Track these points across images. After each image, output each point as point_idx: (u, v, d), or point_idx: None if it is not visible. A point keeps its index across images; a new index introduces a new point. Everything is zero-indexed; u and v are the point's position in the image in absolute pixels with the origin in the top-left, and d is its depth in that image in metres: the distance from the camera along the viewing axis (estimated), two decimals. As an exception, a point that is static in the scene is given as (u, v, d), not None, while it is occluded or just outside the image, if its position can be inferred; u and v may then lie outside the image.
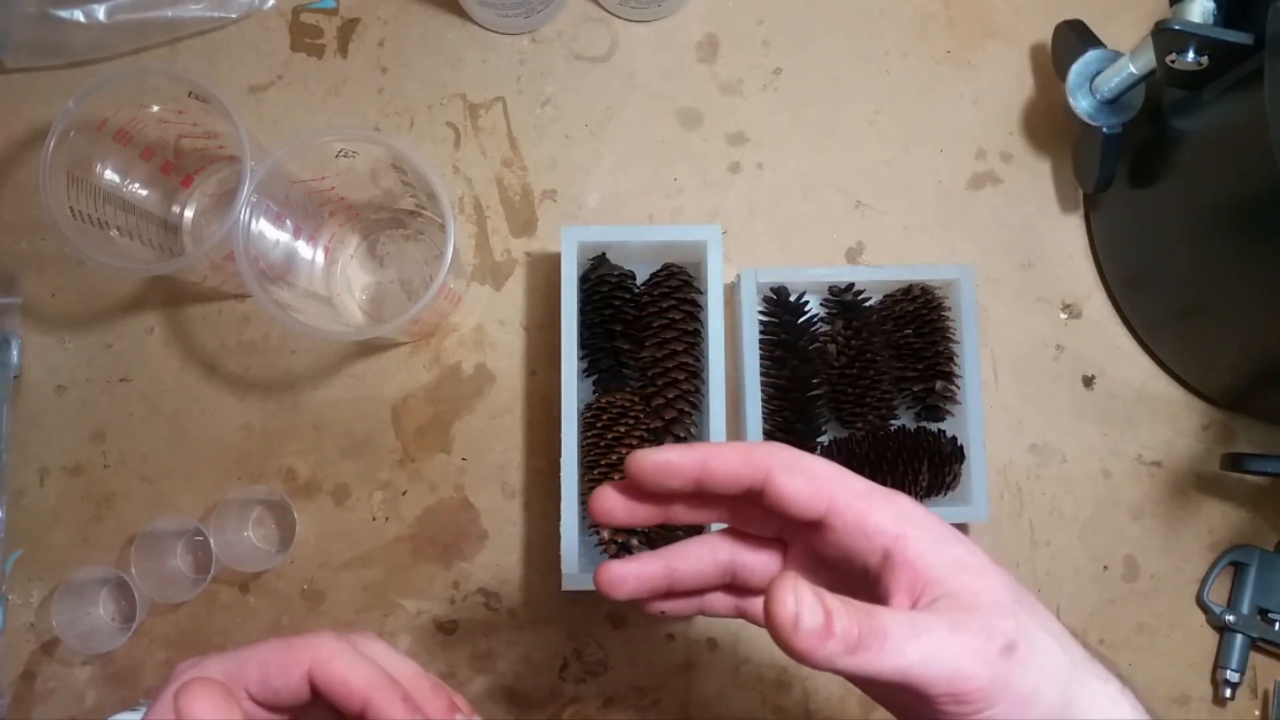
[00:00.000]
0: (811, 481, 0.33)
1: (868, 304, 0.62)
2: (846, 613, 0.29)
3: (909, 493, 0.57)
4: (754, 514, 0.36)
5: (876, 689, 0.34)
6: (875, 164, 0.66)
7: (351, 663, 0.34)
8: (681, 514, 0.36)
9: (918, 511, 0.33)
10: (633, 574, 0.37)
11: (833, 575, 0.35)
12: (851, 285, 0.61)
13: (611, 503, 0.36)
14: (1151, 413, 0.64)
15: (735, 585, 0.39)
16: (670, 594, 0.38)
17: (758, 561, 0.38)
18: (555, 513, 0.56)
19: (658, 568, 0.37)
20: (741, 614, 0.40)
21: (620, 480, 0.36)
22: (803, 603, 0.29)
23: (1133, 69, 0.55)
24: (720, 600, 0.39)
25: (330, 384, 0.63)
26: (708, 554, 0.37)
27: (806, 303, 0.62)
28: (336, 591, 0.61)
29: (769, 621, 0.29)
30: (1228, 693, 0.60)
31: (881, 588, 0.32)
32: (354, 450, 0.62)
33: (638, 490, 0.35)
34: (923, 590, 0.31)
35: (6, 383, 0.62)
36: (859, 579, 0.33)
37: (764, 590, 0.35)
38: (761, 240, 0.65)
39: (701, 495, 0.35)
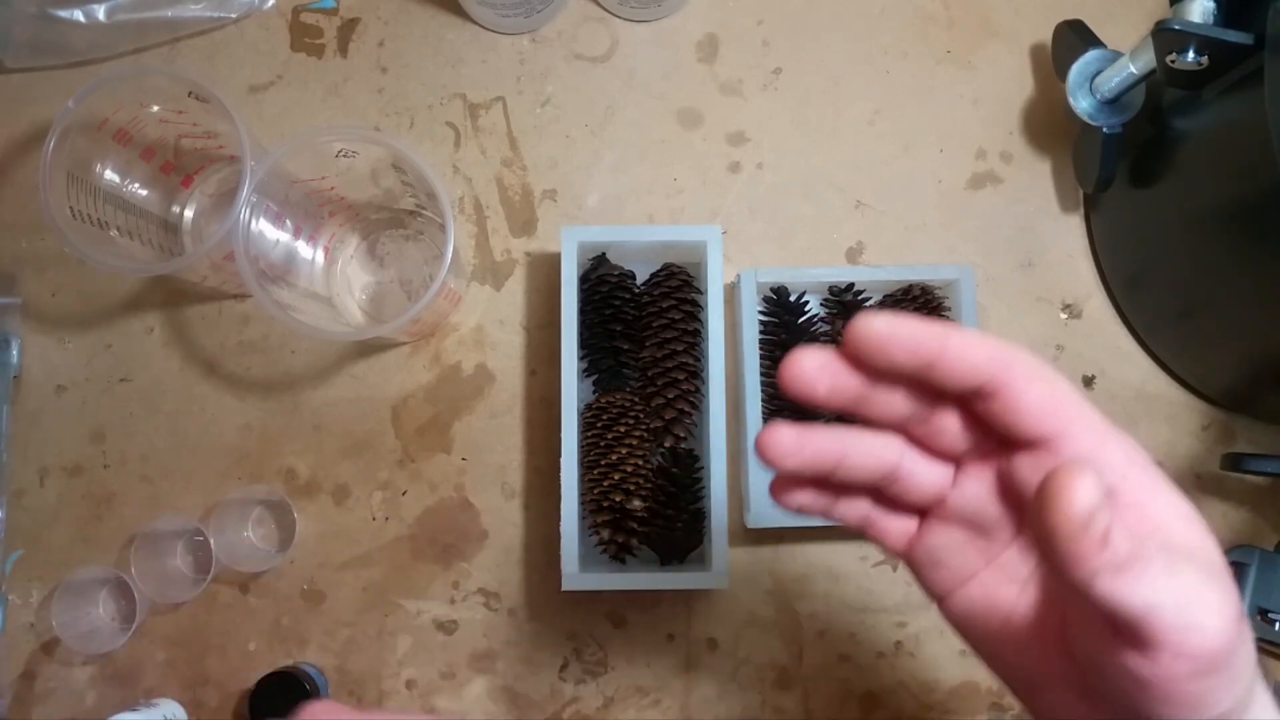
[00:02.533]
0: (1054, 397, 0.29)
1: (868, 304, 0.62)
2: (1121, 531, 0.25)
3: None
4: (955, 423, 0.31)
5: (1086, 647, 0.29)
6: (875, 164, 0.66)
7: None
8: (882, 404, 0.31)
9: (1146, 458, 0.29)
10: (810, 448, 0.31)
11: (1013, 507, 0.31)
12: (851, 285, 0.61)
13: (815, 366, 0.30)
14: (1151, 413, 0.64)
15: (883, 495, 0.34)
16: (824, 482, 0.33)
17: (927, 475, 0.32)
18: (555, 513, 0.56)
19: (834, 446, 0.31)
20: (869, 527, 0.34)
21: (835, 346, 0.30)
22: (1100, 504, 0.24)
23: (1133, 69, 0.55)
24: (857, 507, 0.34)
25: (330, 384, 0.63)
26: (881, 449, 0.32)
27: (806, 303, 0.62)
28: (336, 591, 0.61)
29: (1050, 509, 0.25)
30: (1228, 693, 0.60)
31: None
32: (354, 450, 0.62)
33: (854, 360, 0.30)
34: (1149, 536, 0.28)
35: (6, 383, 0.62)
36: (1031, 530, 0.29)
37: (918, 508, 0.32)
38: (761, 240, 0.65)
39: (918, 383, 0.30)
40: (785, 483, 0.33)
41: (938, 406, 0.31)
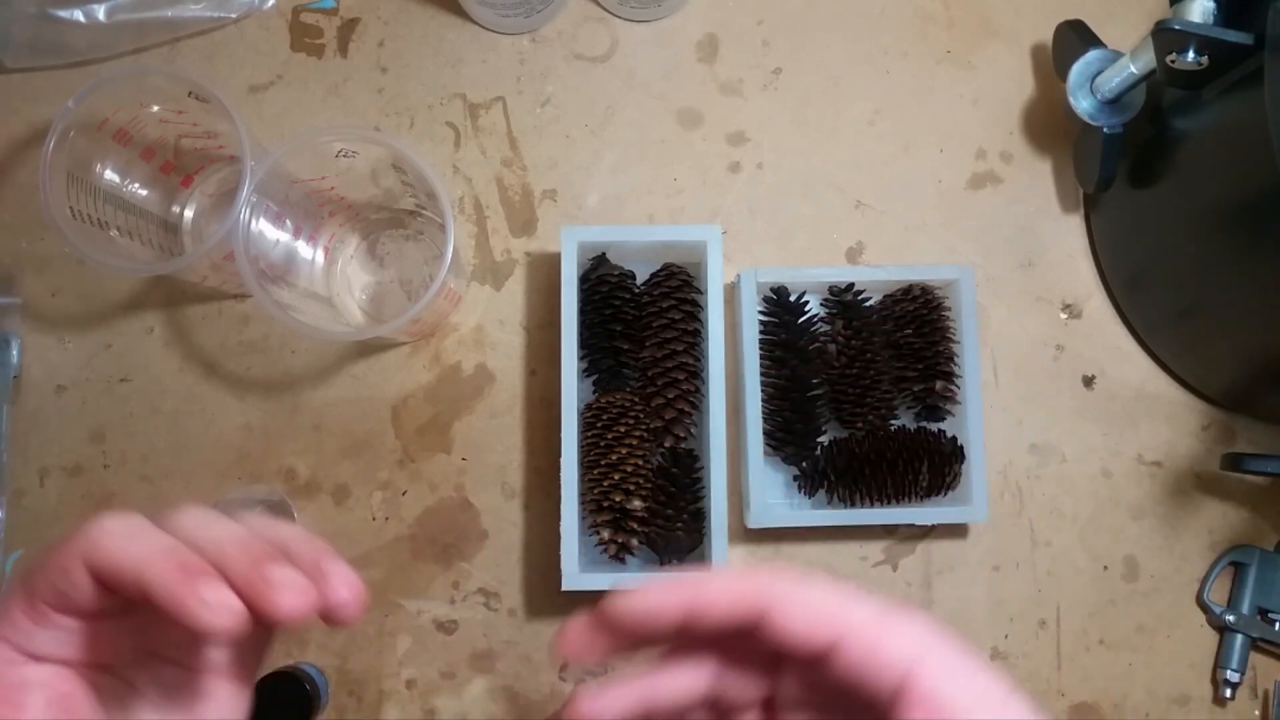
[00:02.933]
0: (816, 614, 0.29)
1: (868, 304, 0.62)
2: None
3: (909, 493, 0.58)
4: (746, 645, 0.31)
5: None
6: (875, 164, 0.66)
7: (122, 542, 0.28)
8: (680, 648, 0.32)
9: (931, 629, 0.29)
10: (615, 708, 0.31)
11: (832, 703, 0.31)
12: (851, 285, 0.61)
13: (582, 640, 0.31)
14: (1151, 413, 0.64)
15: (716, 707, 0.34)
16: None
17: (744, 687, 0.33)
18: (555, 513, 0.56)
19: (637, 700, 0.32)
20: None
21: (590, 615, 0.31)
22: None
23: (1133, 69, 0.55)
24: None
25: (330, 384, 0.63)
26: (688, 680, 0.32)
27: (806, 303, 0.62)
28: (336, 591, 0.61)
29: None
30: (1228, 693, 0.60)
31: None
32: (354, 450, 0.62)
33: (614, 630, 0.30)
34: None
35: (6, 383, 0.62)
36: (863, 709, 0.29)
37: (743, 710, 0.32)
38: (761, 240, 0.65)
39: (688, 633, 0.30)
40: None
41: (728, 638, 0.31)
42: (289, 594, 0.28)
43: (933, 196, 0.65)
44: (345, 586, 0.29)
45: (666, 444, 0.59)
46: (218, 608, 0.26)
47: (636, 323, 0.60)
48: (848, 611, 0.29)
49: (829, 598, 0.29)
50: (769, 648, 0.30)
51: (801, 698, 0.32)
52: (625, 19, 0.66)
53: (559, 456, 0.56)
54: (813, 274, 0.61)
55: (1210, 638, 0.62)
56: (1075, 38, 0.60)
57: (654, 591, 0.30)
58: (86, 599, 0.29)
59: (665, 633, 0.30)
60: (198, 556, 0.28)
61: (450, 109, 0.65)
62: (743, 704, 0.33)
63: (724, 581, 0.30)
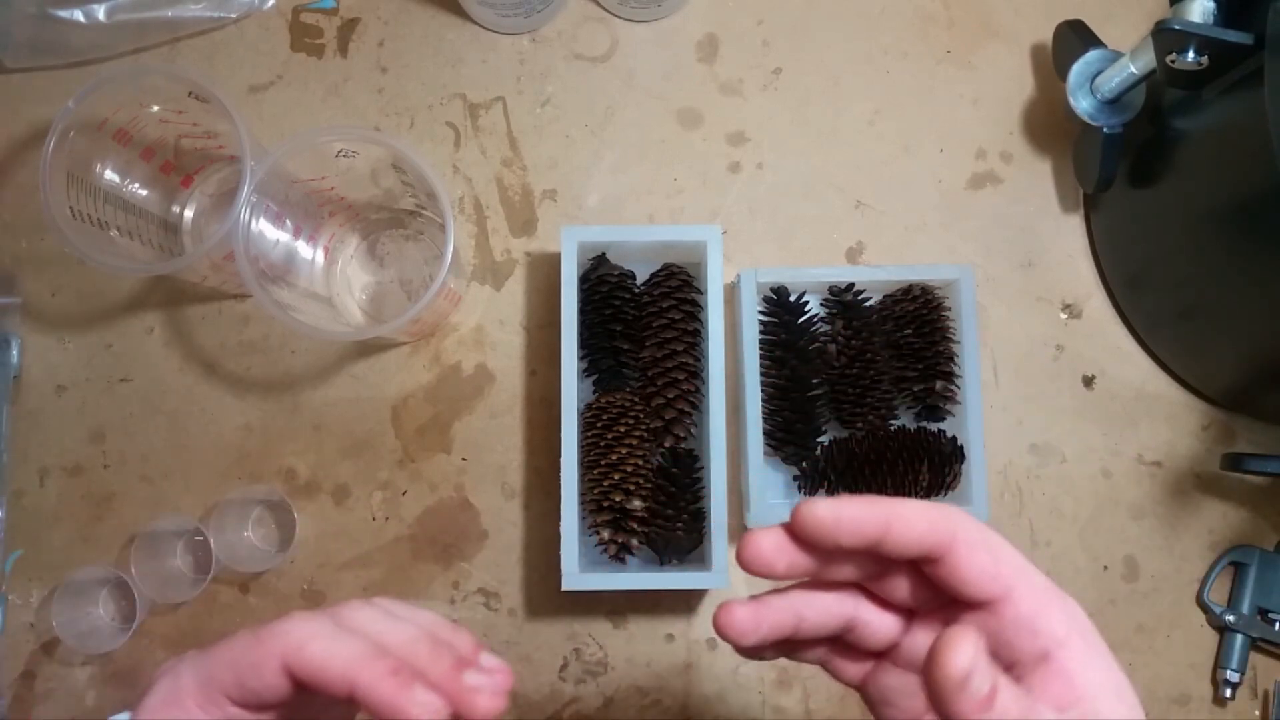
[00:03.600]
0: (996, 563, 0.30)
1: (868, 304, 0.62)
2: (1012, 696, 0.27)
3: (909, 493, 0.58)
4: (906, 580, 0.33)
5: None
6: (875, 164, 0.66)
7: (327, 644, 0.30)
8: (837, 571, 0.33)
9: (1088, 624, 0.31)
10: (766, 623, 0.33)
11: None
12: (851, 285, 0.61)
13: (771, 549, 0.31)
14: (1151, 413, 0.64)
15: (842, 642, 0.35)
16: (785, 642, 0.35)
17: (881, 626, 0.34)
18: (555, 513, 0.56)
19: (787, 618, 0.33)
20: (826, 664, 0.36)
21: (780, 525, 0.32)
22: (978, 665, 0.26)
23: (1133, 69, 0.55)
24: (816, 651, 0.36)
25: (330, 384, 0.63)
26: (835, 607, 0.34)
27: (806, 303, 0.62)
28: (336, 591, 0.61)
29: (933, 668, 0.26)
30: (1228, 693, 0.60)
31: (1023, 687, 0.30)
32: (354, 450, 0.62)
33: (802, 539, 0.31)
34: (1071, 707, 0.29)
35: (6, 383, 0.62)
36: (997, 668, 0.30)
37: (874, 651, 0.34)
38: (761, 240, 0.65)
39: (866, 555, 0.32)
40: (754, 648, 0.35)
41: (891, 567, 0.33)
42: (485, 698, 0.31)
43: (933, 196, 0.65)
44: (506, 681, 0.33)
45: (666, 444, 0.59)
46: (428, 710, 0.29)
47: (636, 323, 0.60)
48: (1023, 573, 0.31)
49: (1010, 554, 0.31)
50: (927, 587, 0.32)
51: (920, 659, 0.32)
52: (625, 19, 0.66)
53: (559, 456, 0.56)
54: (813, 274, 0.61)
55: (1210, 638, 0.62)
56: (1075, 38, 0.60)
57: (855, 503, 0.30)
58: (277, 696, 0.31)
59: (854, 548, 0.31)
60: (402, 662, 0.30)
61: (450, 109, 0.65)
62: (869, 645, 0.34)
63: (919, 508, 0.31)
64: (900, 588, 0.33)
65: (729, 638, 0.33)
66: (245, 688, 0.30)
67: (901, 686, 0.34)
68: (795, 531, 0.31)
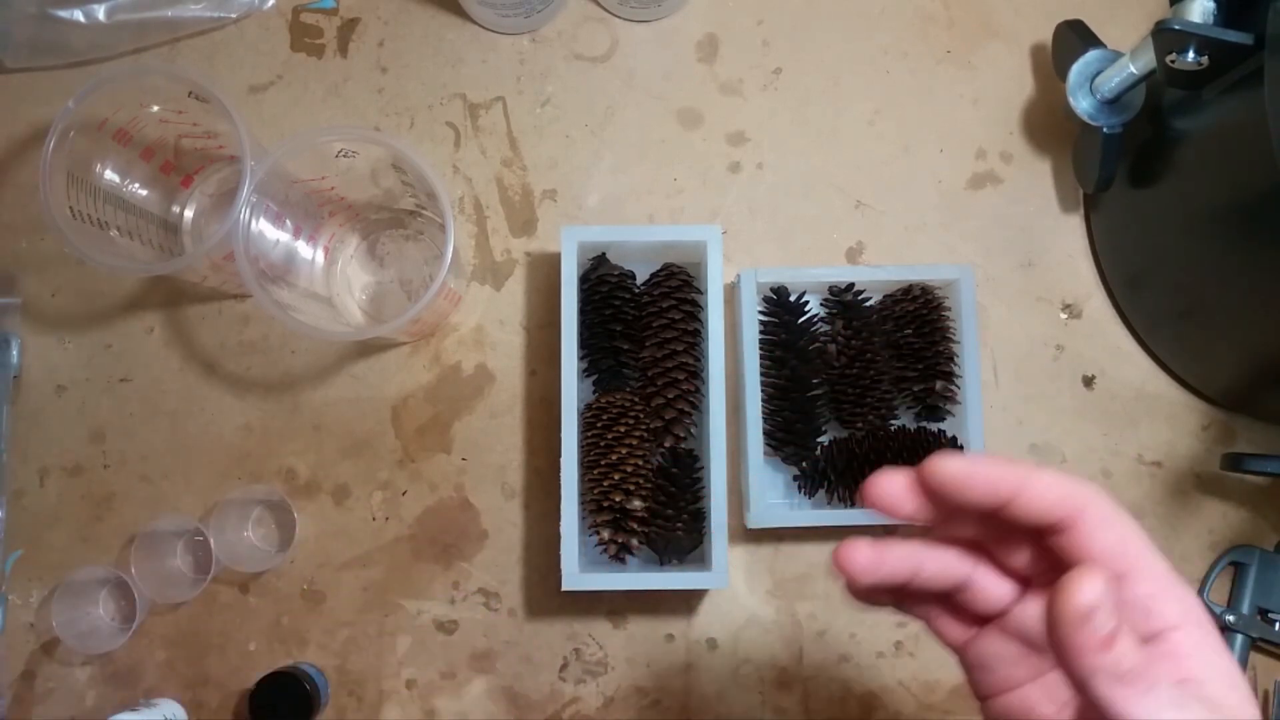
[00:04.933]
0: (1122, 541, 0.30)
1: (868, 304, 0.62)
2: (1131, 645, 0.27)
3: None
4: (1026, 548, 0.33)
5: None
6: (875, 164, 0.66)
7: None
8: (959, 527, 0.33)
9: (1205, 615, 0.30)
10: (886, 566, 0.33)
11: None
12: (851, 285, 0.61)
13: (898, 490, 0.32)
14: (1151, 413, 0.64)
15: (952, 601, 0.35)
16: (898, 590, 0.35)
17: (995, 590, 0.34)
18: (555, 513, 0.56)
19: (906, 565, 0.33)
20: (931, 622, 0.36)
21: (912, 471, 0.32)
22: (1104, 604, 0.26)
23: (1133, 69, 0.55)
24: (924, 607, 0.36)
25: (330, 384, 0.63)
26: (954, 564, 0.34)
27: (806, 303, 0.62)
28: (336, 591, 0.61)
29: (1058, 605, 0.26)
30: (1228, 693, 0.60)
31: None
32: (354, 450, 0.62)
33: (931, 489, 0.31)
34: (1180, 685, 0.29)
35: (6, 383, 0.62)
36: None
37: (982, 615, 0.34)
38: (761, 240, 0.65)
39: (992, 517, 0.31)
40: (867, 591, 0.35)
41: (1012, 532, 0.32)
42: None
43: (933, 196, 0.65)
44: None
45: (666, 444, 0.59)
46: None
47: (636, 323, 0.60)
48: (1147, 554, 0.30)
49: (1137, 535, 0.30)
50: (1048, 555, 0.31)
51: (1029, 628, 0.32)
52: (625, 19, 0.66)
53: (559, 456, 0.56)
54: (813, 274, 0.61)
55: (1210, 638, 0.62)
56: (1075, 38, 0.60)
57: (990, 462, 0.30)
58: None
59: (981, 507, 0.31)
60: None
61: (450, 109, 0.65)
62: (980, 608, 0.34)
63: (1052, 476, 0.30)
64: (1020, 554, 0.33)
65: (848, 573, 0.33)
66: None
67: (1005, 653, 0.34)
68: (925, 480, 0.31)
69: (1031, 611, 0.33)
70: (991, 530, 0.33)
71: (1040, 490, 0.30)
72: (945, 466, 0.31)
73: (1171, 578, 0.30)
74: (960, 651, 0.35)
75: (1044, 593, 0.32)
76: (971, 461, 0.31)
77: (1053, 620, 0.27)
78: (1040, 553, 0.32)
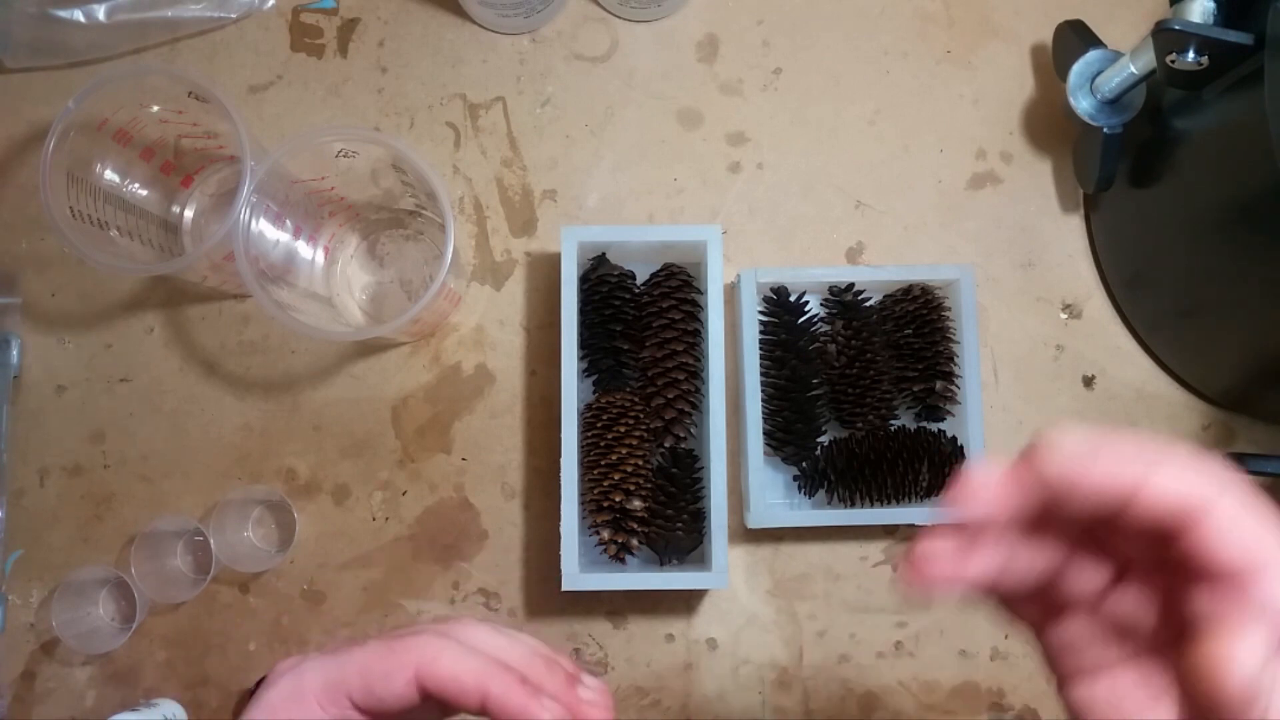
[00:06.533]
0: (1255, 537, 0.25)
1: (868, 304, 0.62)
2: None
3: (909, 493, 0.58)
4: (1128, 540, 0.29)
5: None
6: (875, 164, 0.66)
7: (459, 658, 0.33)
8: (1057, 529, 0.29)
9: None
10: (969, 569, 0.29)
11: (1175, 623, 0.28)
12: (851, 285, 0.61)
13: (994, 490, 0.27)
14: (1151, 413, 0.64)
15: (1044, 594, 0.31)
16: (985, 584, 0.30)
17: (1088, 579, 0.30)
18: (555, 513, 0.56)
19: (992, 566, 0.29)
20: (1007, 603, 0.32)
21: (1015, 465, 0.27)
22: (1260, 684, 0.23)
23: (1133, 69, 0.55)
24: (1017, 602, 0.32)
25: (330, 384, 0.63)
26: (1042, 561, 0.30)
27: (806, 303, 0.62)
28: (336, 591, 0.61)
29: (1207, 686, 0.23)
30: (1228, 693, 0.60)
31: None
32: (354, 450, 0.62)
33: (1034, 486, 0.27)
34: None
35: (6, 383, 0.62)
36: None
37: (1066, 601, 0.30)
38: (761, 240, 0.65)
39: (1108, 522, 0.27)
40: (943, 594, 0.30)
41: (1116, 525, 0.27)
42: (598, 710, 0.33)
43: (933, 196, 0.65)
44: (609, 699, 0.35)
45: (666, 444, 0.59)
46: (555, 714, 0.32)
47: (636, 323, 0.60)
48: (1276, 552, 0.26)
49: (1269, 535, 0.26)
50: (1157, 549, 0.27)
51: (1124, 615, 0.29)
52: (625, 19, 0.66)
53: (559, 456, 0.56)
54: (813, 274, 0.61)
55: (1210, 638, 0.62)
56: (1075, 38, 0.60)
57: (1113, 449, 0.26)
58: (402, 705, 0.32)
59: (1094, 506, 0.26)
60: (524, 675, 0.33)
61: (450, 109, 0.65)
62: (1068, 595, 0.30)
63: (1181, 471, 0.26)
64: (1121, 545, 0.29)
65: (929, 582, 0.29)
66: (373, 694, 0.32)
67: (1091, 636, 0.30)
68: (1030, 472, 0.27)
69: (1130, 601, 0.29)
70: (1092, 523, 0.28)
71: (1163, 487, 0.25)
72: (1062, 449, 0.26)
73: None
74: (1038, 631, 0.31)
75: (1145, 579, 0.29)
76: (1091, 443, 0.26)
77: (1206, 704, 0.24)
78: (1150, 541, 0.27)
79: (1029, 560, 0.29)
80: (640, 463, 0.57)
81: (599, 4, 0.66)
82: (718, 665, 0.61)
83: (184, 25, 0.64)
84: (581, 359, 0.59)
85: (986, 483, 0.27)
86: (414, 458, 0.62)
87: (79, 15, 0.63)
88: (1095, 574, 0.30)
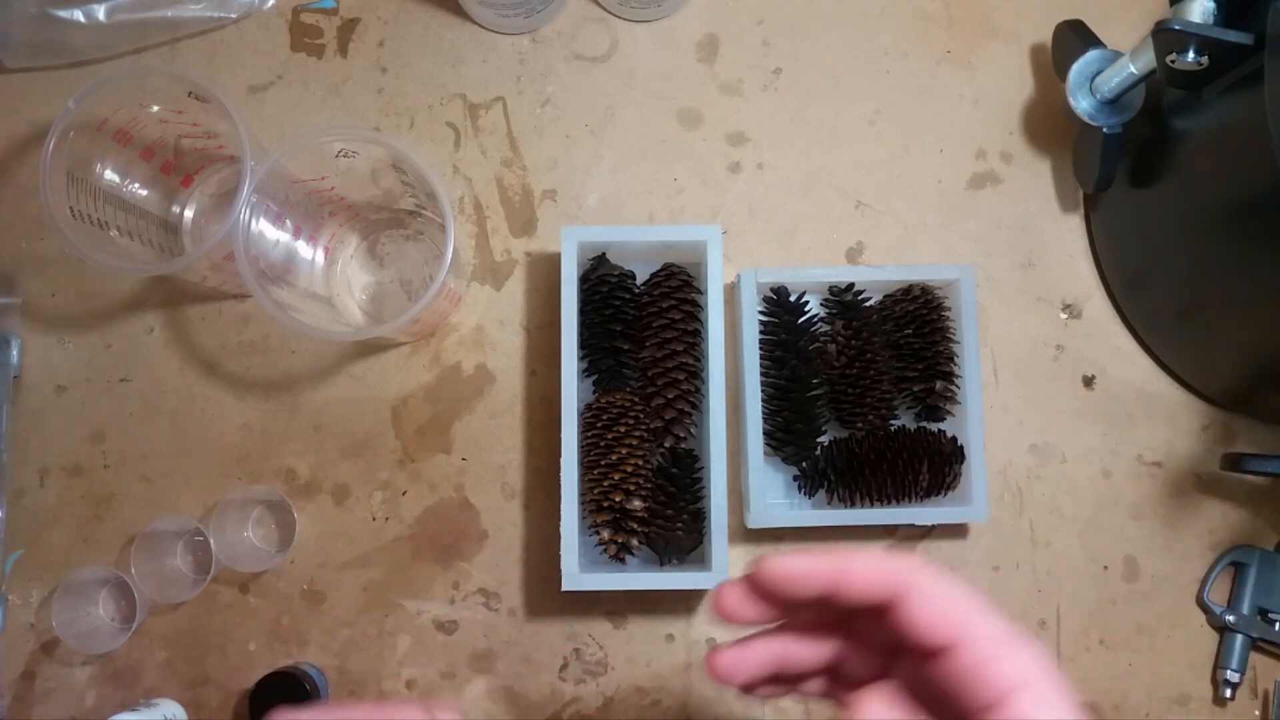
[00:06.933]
0: (946, 612, 0.31)
1: (868, 304, 0.62)
2: None
3: (909, 493, 0.58)
4: (871, 626, 0.34)
5: None
6: (875, 164, 0.66)
7: None
8: (800, 620, 0.36)
9: (1046, 670, 0.31)
10: (750, 662, 0.36)
11: (930, 702, 0.33)
12: (851, 285, 0.61)
13: (735, 602, 0.35)
14: (1151, 413, 0.64)
15: (834, 674, 0.37)
16: (774, 679, 0.37)
17: (864, 665, 0.36)
18: (555, 513, 0.56)
19: (772, 657, 0.36)
20: (832, 696, 0.38)
21: (743, 578, 0.35)
22: None
23: (1133, 69, 0.55)
24: (815, 684, 0.38)
25: (330, 384, 0.63)
26: (819, 649, 0.36)
27: (806, 303, 0.62)
28: (336, 591, 0.61)
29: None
30: (1228, 693, 0.60)
31: None
32: (354, 450, 0.62)
33: (763, 592, 0.34)
34: None
35: (6, 383, 0.62)
36: (955, 713, 0.32)
37: (860, 686, 0.34)
38: (761, 240, 0.65)
39: (826, 604, 0.34)
40: (735, 684, 0.37)
41: (857, 615, 0.34)
42: None
43: (933, 196, 0.65)
44: None
45: (666, 444, 0.59)
46: None
47: (636, 323, 0.60)
48: (973, 620, 0.31)
49: (960, 603, 0.32)
50: (892, 633, 0.33)
51: (909, 687, 0.33)
52: (625, 19, 0.66)
53: (559, 456, 0.56)
54: (813, 274, 0.61)
55: (1210, 638, 0.62)
56: (1075, 38, 0.60)
57: (805, 558, 0.33)
58: None
59: (808, 599, 0.33)
60: None
61: (450, 109, 0.65)
62: (858, 677, 0.36)
63: (869, 560, 0.33)
64: (877, 630, 0.34)
65: (716, 679, 0.36)
66: None
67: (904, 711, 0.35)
68: (755, 585, 0.34)
69: (905, 678, 0.34)
70: (837, 614, 0.35)
71: (858, 576, 0.32)
72: (765, 570, 0.33)
73: (1004, 638, 0.31)
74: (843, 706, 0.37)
75: (911, 662, 0.34)
76: (789, 560, 0.33)
77: None
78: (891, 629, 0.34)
79: (805, 649, 0.36)
80: (640, 463, 0.57)
81: (599, 4, 0.66)
82: (718, 665, 0.61)
83: (184, 25, 0.64)
84: (581, 359, 0.59)
85: (729, 596, 0.35)
86: (414, 458, 0.62)
87: (79, 15, 0.63)
88: (870, 660, 0.36)
